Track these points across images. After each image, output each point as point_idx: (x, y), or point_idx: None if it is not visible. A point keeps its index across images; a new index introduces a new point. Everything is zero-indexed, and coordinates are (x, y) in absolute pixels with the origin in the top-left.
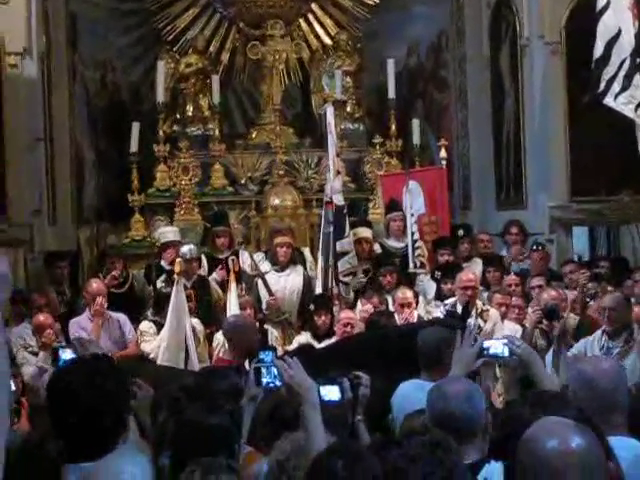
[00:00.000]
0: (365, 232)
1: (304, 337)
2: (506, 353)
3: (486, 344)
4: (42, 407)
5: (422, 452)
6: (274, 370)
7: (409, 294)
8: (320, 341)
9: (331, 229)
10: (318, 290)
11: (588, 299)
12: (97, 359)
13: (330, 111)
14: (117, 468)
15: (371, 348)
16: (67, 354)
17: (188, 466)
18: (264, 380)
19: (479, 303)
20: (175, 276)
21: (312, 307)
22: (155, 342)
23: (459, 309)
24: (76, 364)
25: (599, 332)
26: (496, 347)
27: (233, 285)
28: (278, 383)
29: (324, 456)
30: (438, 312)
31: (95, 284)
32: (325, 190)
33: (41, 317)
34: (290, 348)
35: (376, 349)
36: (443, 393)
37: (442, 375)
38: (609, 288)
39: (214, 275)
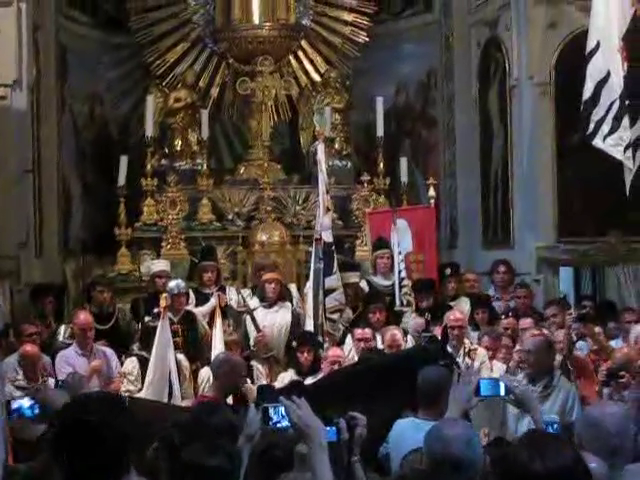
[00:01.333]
0: (352, 277)
1: (289, 374)
2: (502, 392)
3: (482, 383)
4: (27, 442)
5: None
6: (281, 410)
7: (398, 335)
8: (304, 378)
9: (321, 265)
10: (309, 327)
11: (575, 339)
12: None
13: (321, 148)
14: None
15: (360, 381)
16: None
17: None
18: (271, 419)
19: (467, 342)
20: (161, 311)
21: (294, 344)
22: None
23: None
24: (92, 398)
25: (520, 375)
26: (492, 386)
27: (219, 321)
28: (286, 423)
29: None
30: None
31: (82, 315)
32: (315, 227)
33: (28, 347)
34: (277, 385)
35: (365, 382)
36: (442, 436)
37: (440, 414)
38: (596, 329)
39: (200, 309)
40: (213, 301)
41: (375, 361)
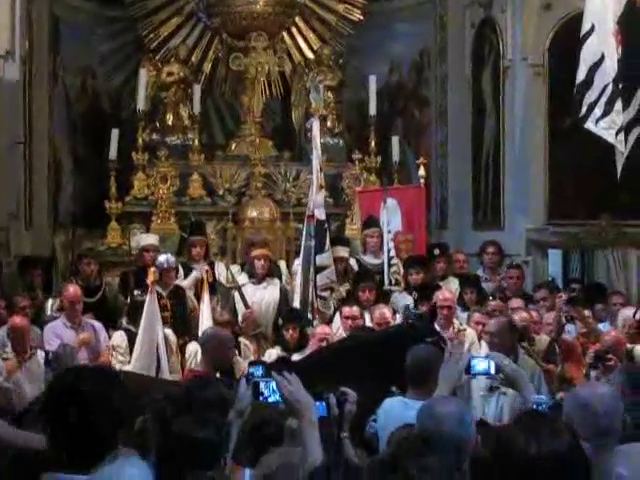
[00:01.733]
0: (342, 251)
1: (275, 351)
2: (492, 371)
3: (472, 362)
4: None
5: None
6: (272, 385)
7: (387, 313)
8: (290, 355)
9: (312, 243)
10: (296, 304)
11: (564, 322)
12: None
13: (316, 125)
14: (120, 472)
15: (348, 357)
16: None
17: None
18: (261, 394)
19: (456, 322)
20: (149, 285)
21: (280, 321)
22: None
23: (436, 327)
24: (84, 370)
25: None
26: (483, 364)
27: (206, 296)
28: (277, 398)
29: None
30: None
31: (72, 288)
32: (307, 204)
33: (17, 319)
34: (266, 360)
35: (353, 358)
36: (435, 413)
37: (429, 393)
38: (586, 312)
39: (183, 282)
40: (196, 273)
41: (363, 338)
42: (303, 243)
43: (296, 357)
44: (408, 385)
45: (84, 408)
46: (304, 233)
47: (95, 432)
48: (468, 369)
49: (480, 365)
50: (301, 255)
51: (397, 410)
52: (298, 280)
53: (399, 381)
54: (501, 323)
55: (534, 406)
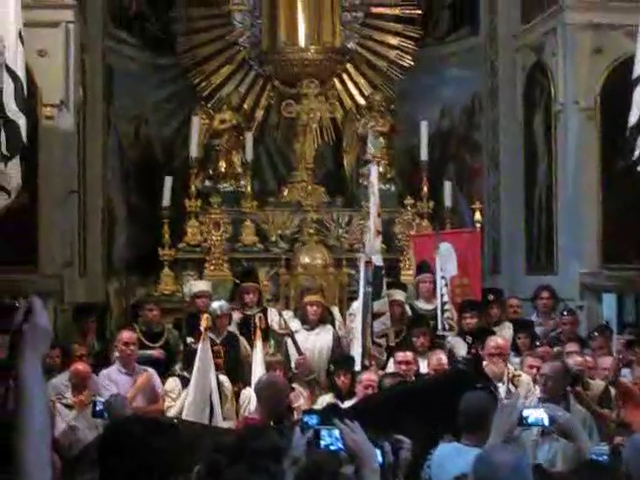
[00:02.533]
0: (398, 294)
1: (328, 397)
2: (546, 422)
3: (526, 412)
4: (71, 463)
5: None
6: (335, 433)
7: (444, 359)
8: (343, 401)
9: (370, 289)
10: (357, 350)
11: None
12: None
13: (374, 170)
14: None
15: (398, 405)
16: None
17: None
18: (323, 442)
19: (510, 368)
20: (202, 331)
21: (332, 367)
22: (179, 402)
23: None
24: (136, 420)
25: (534, 401)
26: (536, 415)
27: (259, 342)
28: (339, 446)
29: None
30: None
31: (127, 333)
32: (365, 250)
33: (80, 366)
34: (315, 407)
35: (402, 405)
36: (491, 462)
37: (483, 440)
38: None
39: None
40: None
41: (413, 384)
42: (362, 289)
43: (347, 404)
44: (462, 431)
45: (133, 458)
46: (362, 279)
47: None
48: (521, 420)
49: (533, 416)
50: (360, 300)
51: (451, 456)
52: (357, 326)
53: (450, 428)
54: (556, 367)
55: (593, 456)
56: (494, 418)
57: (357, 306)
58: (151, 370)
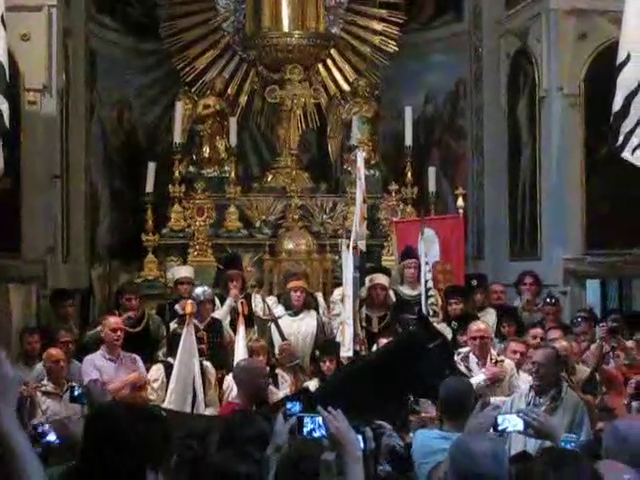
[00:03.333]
0: (382, 278)
1: (314, 382)
2: (521, 427)
3: (500, 419)
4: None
5: None
6: (318, 420)
7: None
8: None
9: (357, 274)
10: (348, 336)
11: (606, 350)
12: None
13: (360, 156)
14: None
15: (361, 380)
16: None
17: None
18: (305, 429)
19: (493, 353)
20: (186, 317)
21: (317, 353)
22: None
23: (472, 359)
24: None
25: (526, 388)
26: (512, 422)
27: (241, 328)
28: (322, 433)
29: None
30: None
31: (113, 319)
32: (351, 236)
33: (53, 351)
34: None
35: (366, 380)
36: (469, 450)
37: (463, 425)
38: (628, 343)
39: (218, 311)
40: (229, 301)
41: (369, 357)
42: (350, 275)
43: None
44: (443, 418)
45: (120, 446)
46: (349, 264)
47: (125, 470)
48: (495, 426)
49: (509, 422)
50: (349, 287)
51: (434, 443)
52: (347, 312)
53: (414, 391)
54: (548, 353)
55: (562, 444)
56: (471, 417)
57: (339, 293)
58: (137, 356)
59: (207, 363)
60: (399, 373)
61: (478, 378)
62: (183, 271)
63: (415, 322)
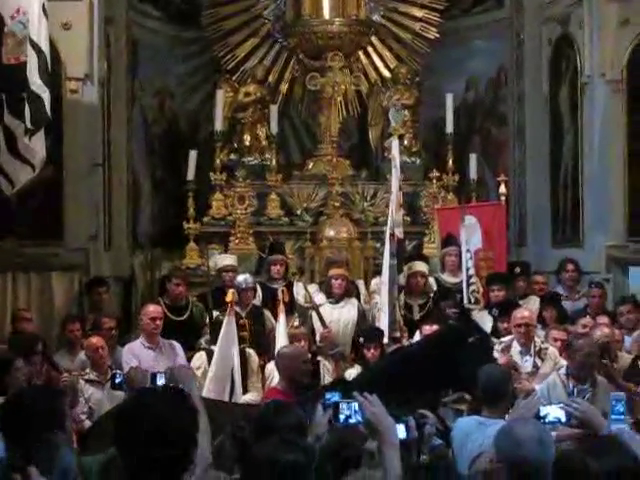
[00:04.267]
0: (421, 266)
1: (355, 370)
2: (563, 418)
3: (543, 411)
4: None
5: None
6: (355, 406)
7: None
8: None
9: (395, 262)
10: (384, 323)
11: None
12: (170, 390)
13: (395, 144)
14: None
15: (399, 371)
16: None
17: None
18: (342, 415)
19: (537, 340)
20: (228, 305)
21: (361, 340)
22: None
23: (515, 347)
24: (149, 393)
25: (556, 376)
26: (553, 413)
27: (282, 316)
28: (359, 419)
29: None
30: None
31: (152, 307)
32: (388, 223)
33: (93, 339)
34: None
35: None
36: (514, 435)
37: (503, 412)
38: None
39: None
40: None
41: (408, 349)
42: (387, 262)
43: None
44: (483, 405)
45: (150, 431)
46: (387, 252)
47: (164, 454)
48: (538, 418)
49: (551, 414)
50: (385, 274)
51: (474, 430)
52: (383, 298)
53: (452, 384)
54: (590, 344)
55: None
56: (511, 414)
57: (376, 282)
58: (177, 344)
59: (250, 350)
60: (438, 366)
61: None
62: (227, 259)
63: (456, 315)
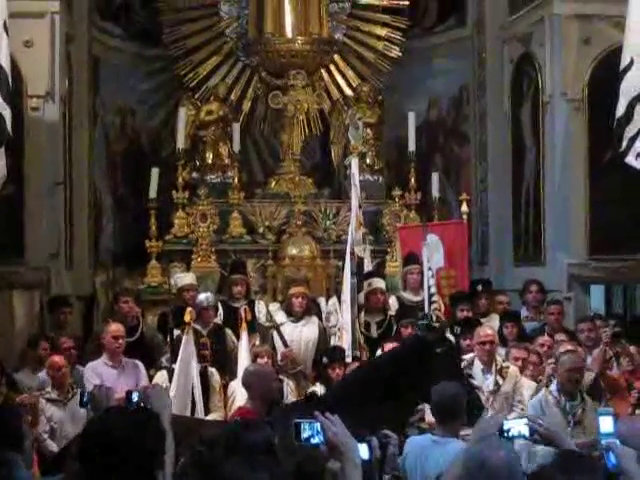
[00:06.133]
0: (379, 283)
1: (318, 389)
2: (527, 433)
3: (506, 425)
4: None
5: None
6: (317, 426)
7: None
8: None
9: (355, 280)
10: (347, 342)
11: (610, 356)
12: (138, 410)
13: (355, 162)
14: None
15: (369, 384)
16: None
17: None
18: (303, 435)
19: (498, 359)
20: (186, 325)
21: (325, 360)
22: None
23: (477, 365)
24: (118, 413)
25: (546, 392)
26: (517, 428)
27: (244, 334)
28: (319, 440)
29: None
30: None
31: (115, 326)
32: (348, 241)
33: (55, 358)
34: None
35: (373, 384)
36: (484, 462)
37: (456, 430)
38: (631, 348)
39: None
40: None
41: (376, 361)
42: (348, 280)
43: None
44: (436, 423)
45: (117, 452)
46: (347, 270)
47: (129, 475)
48: (501, 432)
49: (515, 429)
50: (347, 292)
51: (429, 449)
52: (345, 317)
53: (421, 395)
54: (580, 358)
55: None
56: (474, 428)
57: (333, 303)
58: (139, 363)
59: (212, 369)
60: (406, 377)
61: None
62: (187, 278)
63: (423, 327)
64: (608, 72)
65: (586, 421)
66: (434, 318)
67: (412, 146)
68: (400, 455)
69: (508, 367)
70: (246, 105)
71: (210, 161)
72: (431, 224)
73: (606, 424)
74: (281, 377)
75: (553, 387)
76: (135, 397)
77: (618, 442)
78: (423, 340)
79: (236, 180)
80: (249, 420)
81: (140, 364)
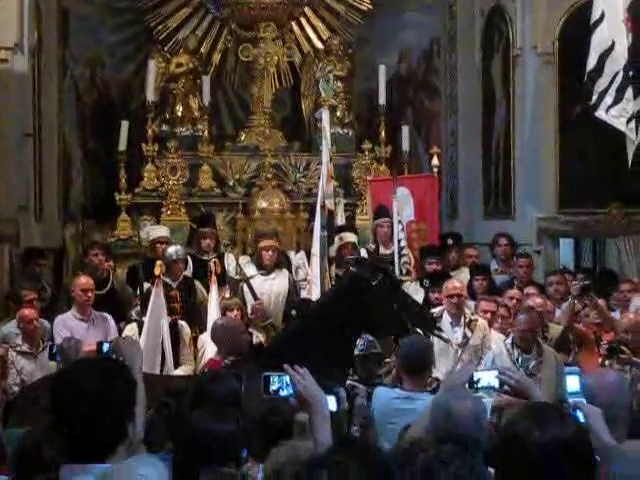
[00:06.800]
0: (351, 237)
1: None
2: (496, 385)
3: (476, 376)
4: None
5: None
6: (286, 379)
7: None
8: None
9: (326, 233)
10: (317, 294)
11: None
12: (108, 360)
13: (325, 115)
14: (135, 469)
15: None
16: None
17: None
18: (272, 388)
19: (467, 312)
20: (156, 278)
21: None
22: None
23: (446, 318)
24: (87, 364)
25: (502, 345)
26: (487, 379)
27: (214, 287)
28: (290, 391)
29: (310, 466)
30: None
31: (84, 279)
32: (319, 194)
33: (26, 311)
34: None
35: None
36: (450, 411)
37: (424, 384)
38: (599, 300)
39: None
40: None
41: (316, 303)
42: (318, 234)
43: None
44: (403, 377)
45: (86, 404)
46: (317, 223)
47: (100, 425)
48: (472, 383)
49: (484, 380)
50: (316, 246)
51: (396, 403)
52: (314, 270)
53: (362, 326)
54: (533, 319)
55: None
56: (445, 378)
57: (300, 257)
58: (108, 315)
59: (182, 322)
60: (345, 313)
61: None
62: (160, 231)
63: (352, 263)
64: (579, 26)
65: (541, 374)
66: (404, 271)
67: (382, 99)
68: (369, 406)
69: (477, 320)
70: (216, 58)
71: (180, 114)
72: (401, 177)
73: (572, 383)
74: (250, 330)
75: (508, 340)
76: (106, 348)
77: (585, 401)
78: (355, 275)
79: (206, 133)
80: (216, 372)
81: (109, 317)
